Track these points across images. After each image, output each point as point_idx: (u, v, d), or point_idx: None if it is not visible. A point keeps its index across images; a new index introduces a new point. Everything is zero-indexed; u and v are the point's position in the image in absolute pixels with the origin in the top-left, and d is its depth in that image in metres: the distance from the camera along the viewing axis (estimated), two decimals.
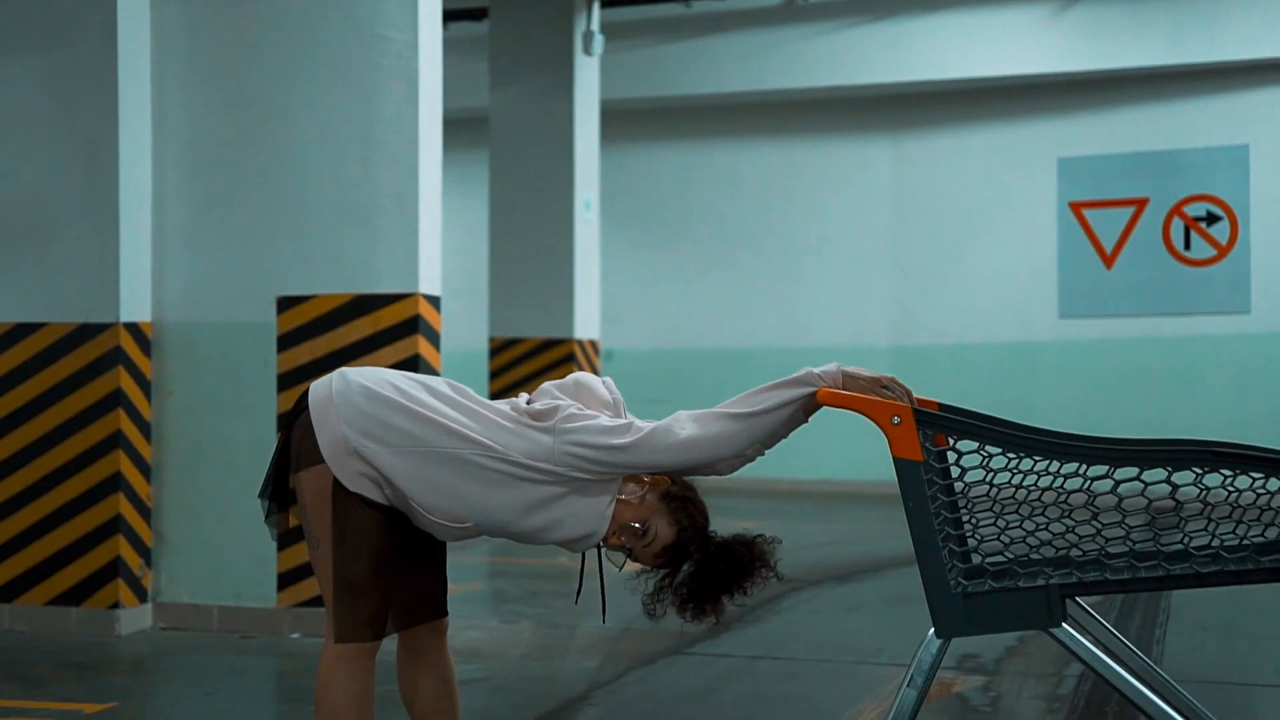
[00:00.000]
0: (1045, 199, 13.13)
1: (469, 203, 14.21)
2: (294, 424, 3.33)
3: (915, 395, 3.14)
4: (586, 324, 11.42)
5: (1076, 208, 13.10)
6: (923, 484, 3.06)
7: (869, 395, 3.10)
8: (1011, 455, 3.05)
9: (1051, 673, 5.68)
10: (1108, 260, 12.91)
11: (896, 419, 3.05)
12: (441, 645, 3.51)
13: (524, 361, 11.38)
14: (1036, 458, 3.04)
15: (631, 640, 6.22)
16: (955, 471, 3.12)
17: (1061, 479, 3.07)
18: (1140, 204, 12.71)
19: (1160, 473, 2.97)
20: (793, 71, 13.50)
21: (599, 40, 11.42)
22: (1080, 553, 3.06)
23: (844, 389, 3.13)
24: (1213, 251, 12.61)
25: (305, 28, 6.43)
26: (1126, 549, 3.03)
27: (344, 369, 3.35)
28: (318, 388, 3.30)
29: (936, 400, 3.30)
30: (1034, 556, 3.10)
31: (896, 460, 3.06)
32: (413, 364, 6.32)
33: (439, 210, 6.54)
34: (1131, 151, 12.93)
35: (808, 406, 3.16)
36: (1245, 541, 2.98)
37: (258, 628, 6.42)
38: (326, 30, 6.41)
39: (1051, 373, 13.31)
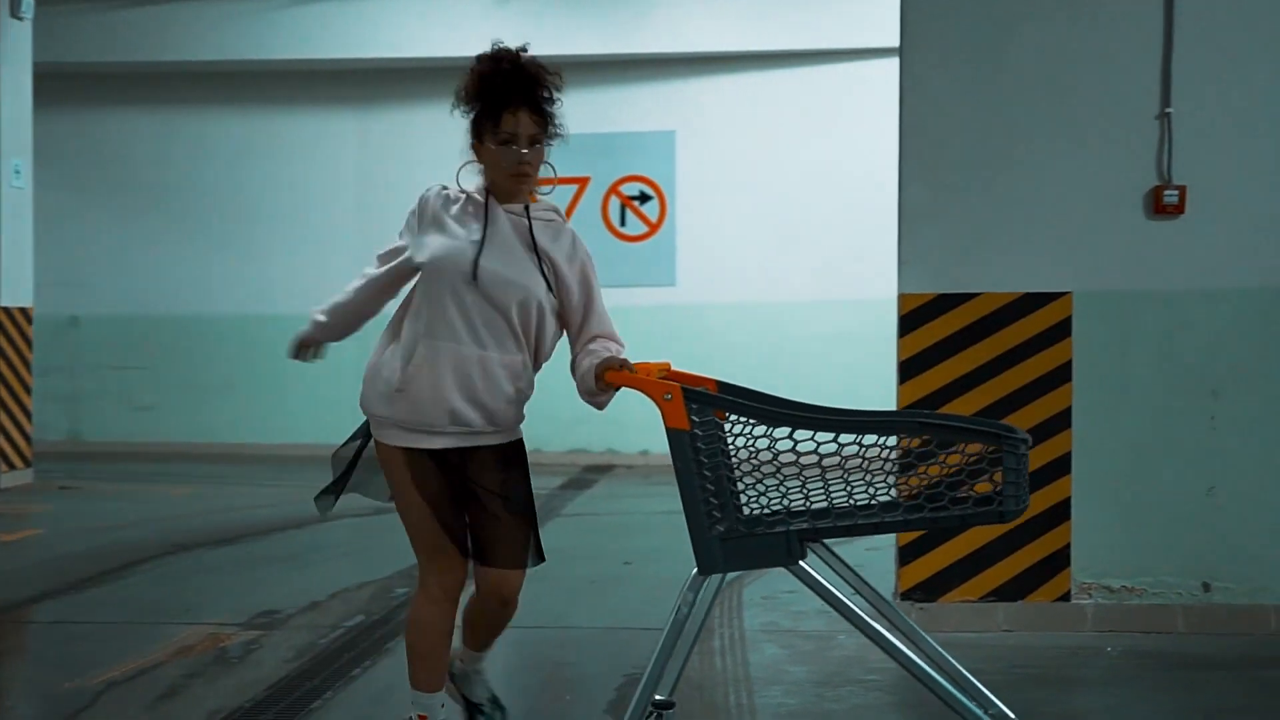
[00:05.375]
0: None
1: None
2: None
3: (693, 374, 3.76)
4: (16, 291, 11.31)
5: None
6: (688, 449, 3.55)
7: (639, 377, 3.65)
8: (763, 425, 3.56)
9: (330, 625, 6.17)
10: None
11: (668, 395, 3.54)
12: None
13: None
14: (782, 426, 3.54)
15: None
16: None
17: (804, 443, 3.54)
18: (583, 182, 13.54)
19: (873, 437, 3.51)
20: (261, 43, 13.65)
21: (29, 4, 11.28)
22: (818, 504, 3.56)
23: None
24: (644, 228, 13.59)
25: None
26: (849, 502, 3.56)
27: None
28: None
29: (715, 379, 3.81)
30: (778, 507, 3.60)
31: (668, 430, 3.55)
32: None
33: None
34: (576, 133, 13.62)
35: (602, 385, 3.71)
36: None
37: None
38: None
39: None
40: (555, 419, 13.34)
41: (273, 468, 12.72)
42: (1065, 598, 5.97)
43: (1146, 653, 5.64)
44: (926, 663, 3.55)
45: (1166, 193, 5.89)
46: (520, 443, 4.00)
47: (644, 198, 13.55)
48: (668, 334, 13.27)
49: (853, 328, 13.00)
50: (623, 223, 13.61)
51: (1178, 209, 5.91)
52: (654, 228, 13.55)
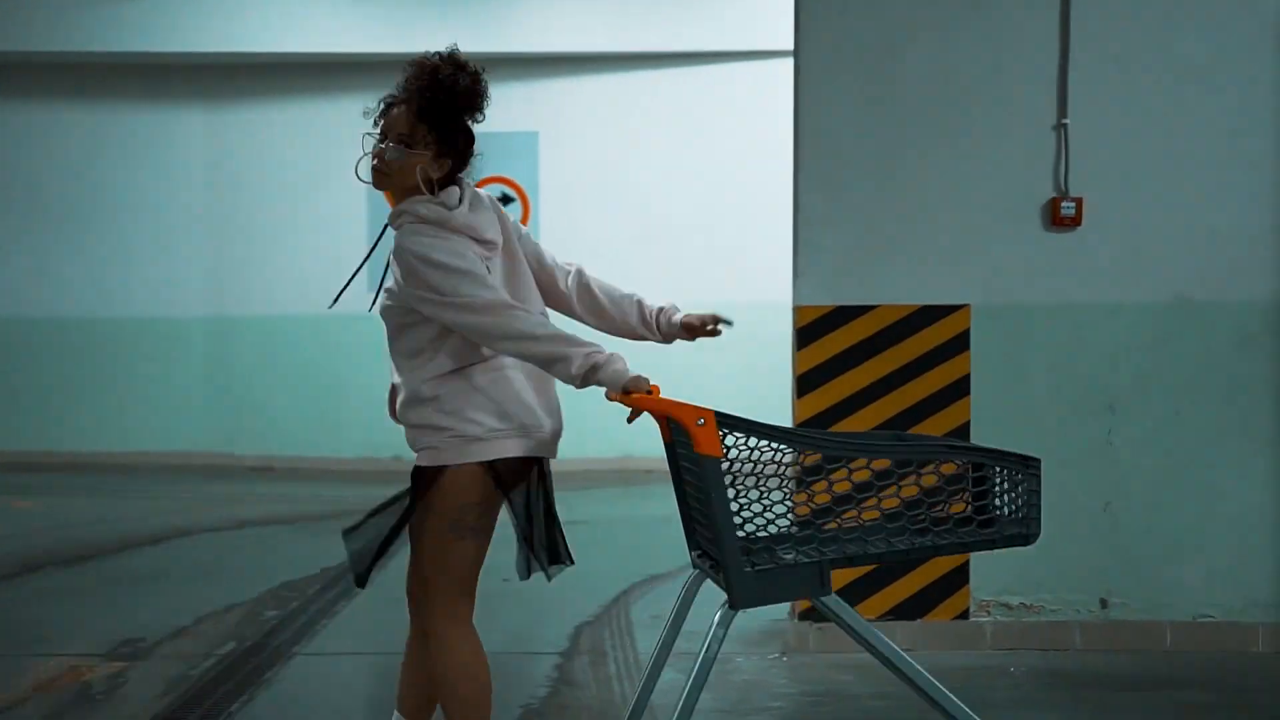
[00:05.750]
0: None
1: None
2: None
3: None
4: None
5: None
6: (723, 477, 3.40)
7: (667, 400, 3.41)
8: (794, 450, 3.51)
9: (200, 653, 5.83)
10: None
11: (701, 420, 3.35)
12: None
13: None
14: (811, 450, 3.55)
15: None
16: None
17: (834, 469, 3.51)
18: None
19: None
20: (108, 35, 13.08)
21: None
22: (846, 532, 3.54)
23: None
24: None
25: None
26: (883, 528, 3.52)
27: None
28: None
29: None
30: (804, 535, 3.55)
31: (701, 457, 3.37)
32: None
33: None
34: None
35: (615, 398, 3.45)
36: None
37: None
38: None
39: (368, 345, 13.61)
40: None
41: (119, 477, 12.18)
42: (964, 615, 5.89)
43: (1048, 671, 5.56)
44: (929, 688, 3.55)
45: (1064, 204, 5.84)
46: (444, 470, 3.63)
47: (506, 200, 13.28)
48: None
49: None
50: None
51: (1075, 221, 5.85)
52: None
